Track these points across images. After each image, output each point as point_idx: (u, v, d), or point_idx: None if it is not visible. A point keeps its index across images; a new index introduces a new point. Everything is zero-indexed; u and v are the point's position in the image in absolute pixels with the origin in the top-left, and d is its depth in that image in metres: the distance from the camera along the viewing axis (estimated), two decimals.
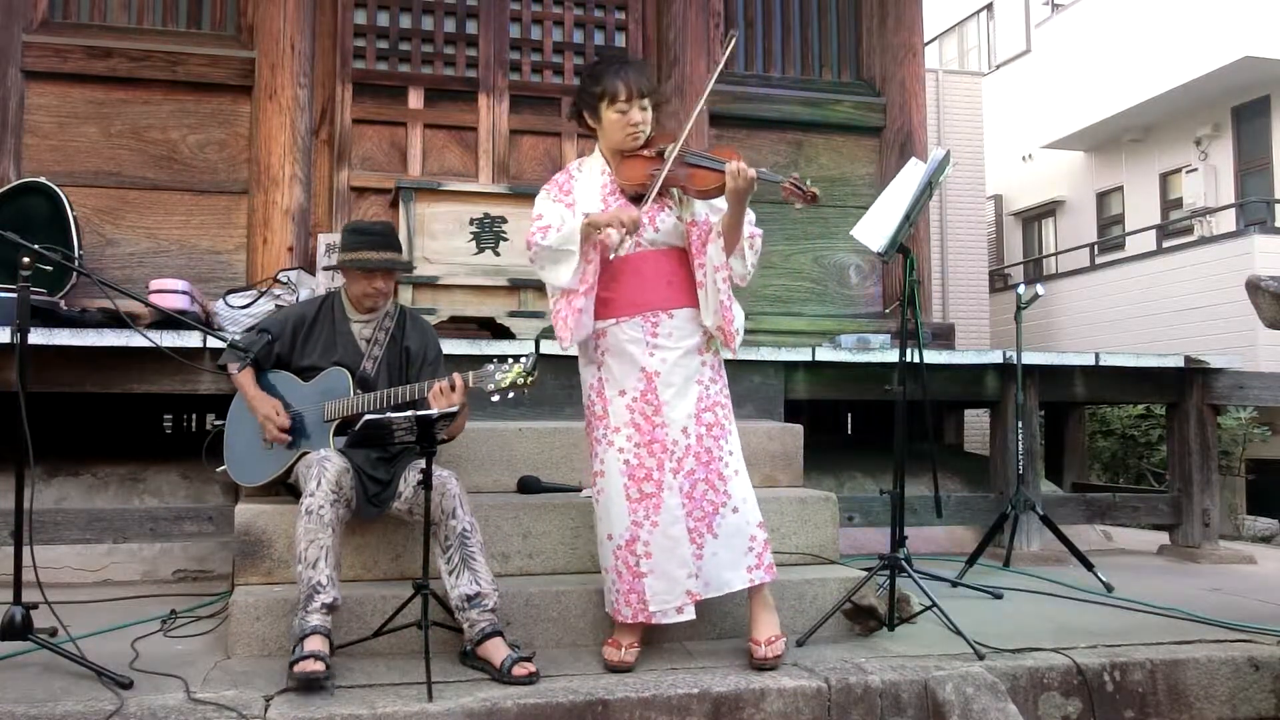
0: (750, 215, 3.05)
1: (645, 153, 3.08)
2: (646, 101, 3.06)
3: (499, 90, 5.61)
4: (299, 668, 2.71)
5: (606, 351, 3.07)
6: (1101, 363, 5.24)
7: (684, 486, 2.98)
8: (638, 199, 3.05)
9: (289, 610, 3.03)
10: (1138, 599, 4.05)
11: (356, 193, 5.39)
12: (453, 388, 3.08)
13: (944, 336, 6.16)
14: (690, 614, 3.01)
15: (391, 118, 5.48)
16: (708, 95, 3.25)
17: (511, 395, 3.06)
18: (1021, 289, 4.86)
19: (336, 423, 3.26)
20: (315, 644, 2.79)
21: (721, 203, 3.00)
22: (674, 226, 3.08)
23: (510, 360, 3.10)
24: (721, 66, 3.21)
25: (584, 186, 3.14)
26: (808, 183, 2.92)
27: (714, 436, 3.03)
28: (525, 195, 4.82)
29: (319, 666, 2.71)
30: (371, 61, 5.49)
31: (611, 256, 3.01)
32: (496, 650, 2.89)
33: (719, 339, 3.07)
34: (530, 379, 3.04)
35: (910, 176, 3.68)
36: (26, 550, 2.84)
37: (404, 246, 4.57)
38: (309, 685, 2.68)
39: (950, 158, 3.67)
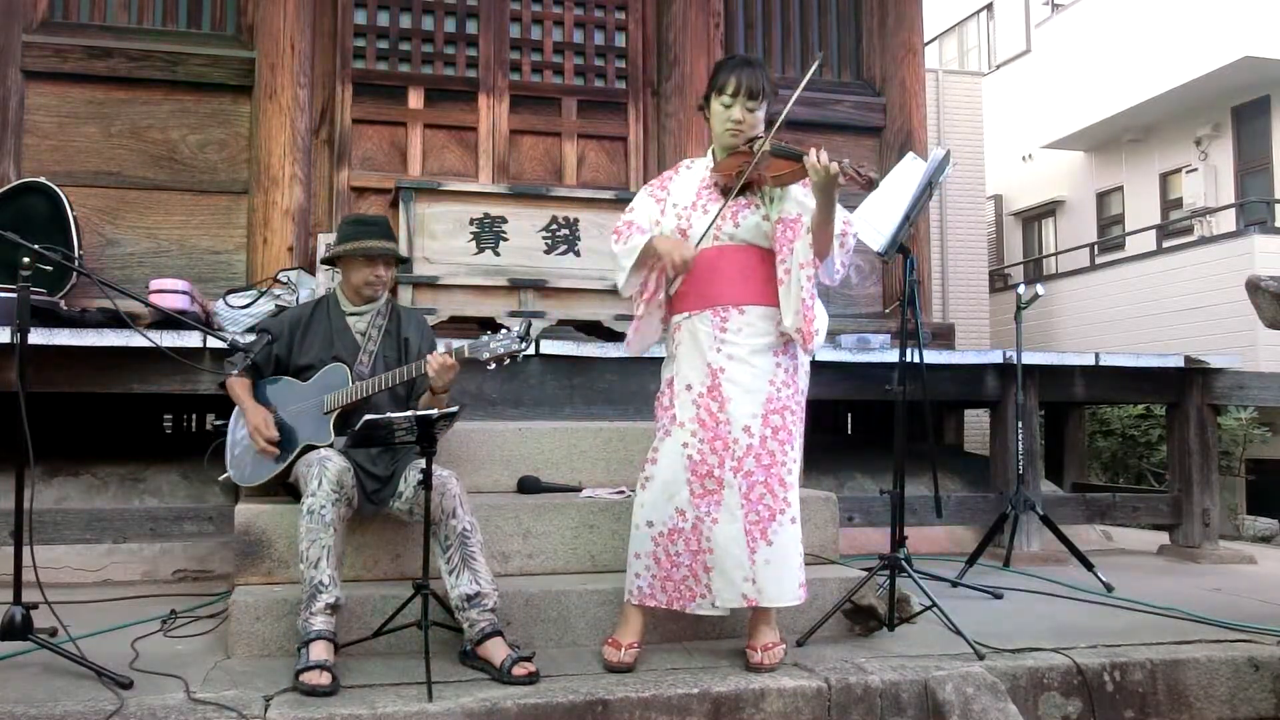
0: (844, 213, 3.02)
1: (743, 148, 3.09)
2: (755, 104, 3.05)
3: (499, 90, 5.61)
4: (304, 678, 2.71)
5: (680, 345, 3.08)
6: (1101, 363, 5.24)
7: (742, 486, 2.95)
8: (727, 192, 3.07)
9: (289, 610, 3.03)
10: (1138, 599, 4.05)
11: (356, 193, 5.39)
12: (449, 355, 3.13)
13: (944, 336, 6.16)
14: (725, 610, 3.02)
15: (391, 118, 5.48)
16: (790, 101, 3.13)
17: (508, 363, 3.11)
18: (1021, 289, 4.86)
19: (336, 414, 3.27)
20: (320, 651, 2.79)
21: (812, 200, 2.98)
22: (756, 225, 3.05)
23: (505, 329, 3.15)
24: (807, 78, 3.12)
25: (684, 181, 3.18)
26: (861, 167, 2.93)
27: (779, 440, 2.98)
28: (525, 195, 4.84)
29: (324, 680, 2.71)
30: (371, 61, 5.50)
31: (663, 292, 3.07)
32: (496, 650, 2.89)
33: (797, 339, 2.99)
34: (525, 344, 3.08)
35: (907, 171, 3.67)
36: (26, 550, 2.84)
37: (404, 246, 4.57)
38: (314, 695, 2.68)
39: (950, 157, 3.67)
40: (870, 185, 2.95)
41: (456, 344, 3.19)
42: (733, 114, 3.05)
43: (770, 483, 2.96)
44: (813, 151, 2.86)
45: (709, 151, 3.22)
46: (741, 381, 2.98)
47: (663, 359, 3.20)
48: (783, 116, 3.04)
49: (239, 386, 3.41)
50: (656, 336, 3.19)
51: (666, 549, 3.00)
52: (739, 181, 3.01)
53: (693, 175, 3.20)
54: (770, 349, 3.02)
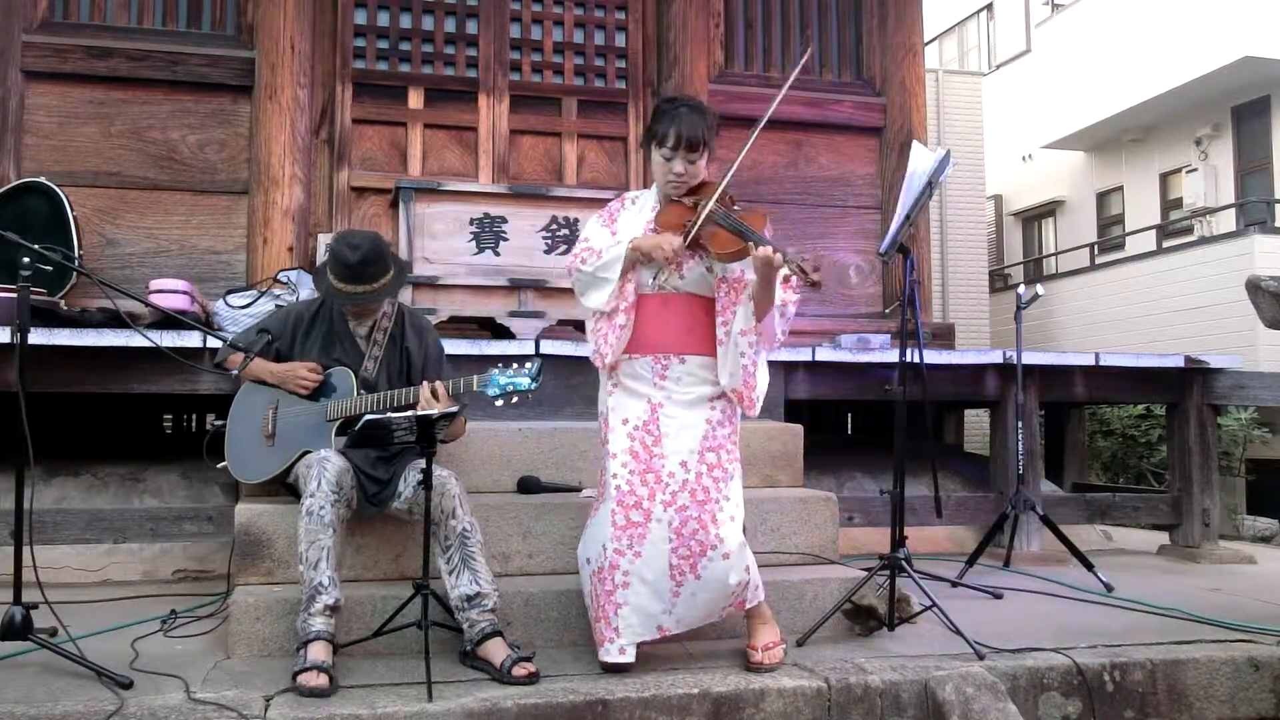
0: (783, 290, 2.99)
1: (686, 201, 3.05)
2: (696, 155, 3.00)
3: (499, 90, 5.61)
4: (302, 679, 2.72)
5: (618, 385, 3.06)
6: (1101, 363, 5.24)
7: (673, 521, 2.93)
8: None
9: (289, 610, 3.03)
10: (1138, 599, 4.06)
11: (356, 193, 5.39)
12: (435, 395, 3.11)
13: (944, 336, 6.16)
14: (631, 656, 2.92)
15: (391, 118, 5.48)
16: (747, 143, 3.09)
17: (515, 399, 3.07)
18: (1021, 289, 4.86)
19: (338, 422, 3.27)
20: (318, 652, 2.80)
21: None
22: (700, 276, 3.04)
23: (515, 364, 3.11)
24: (769, 112, 3.08)
25: (629, 219, 3.12)
26: (813, 271, 2.82)
27: (714, 477, 2.97)
28: (525, 195, 4.84)
29: (322, 680, 2.71)
30: (371, 61, 5.49)
31: (651, 284, 3.01)
32: (496, 650, 2.90)
33: (733, 399, 3.03)
34: (535, 384, 3.06)
35: (921, 161, 3.66)
36: (26, 550, 2.85)
37: (404, 247, 4.58)
38: (312, 697, 2.68)
39: (950, 157, 3.67)
40: (814, 287, 2.85)
41: (465, 378, 3.16)
42: (674, 168, 3.00)
43: (703, 519, 2.92)
44: (761, 248, 2.82)
45: (654, 187, 3.17)
46: (679, 417, 2.99)
47: None
48: (726, 179, 3.02)
49: (260, 362, 3.38)
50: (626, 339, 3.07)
51: (598, 586, 2.98)
52: (684, 242, 2.95)
53: (639, 214, 3.14)
54: (708, 395, 3.02)
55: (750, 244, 2.87)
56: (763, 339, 3.00)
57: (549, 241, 4.77)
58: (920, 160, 3.68)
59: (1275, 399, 5.44)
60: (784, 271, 2.91)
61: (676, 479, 2.95)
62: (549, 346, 4.44)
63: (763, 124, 3.06)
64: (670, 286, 3.03)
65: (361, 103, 5.43)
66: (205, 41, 5.30)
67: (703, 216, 2.94)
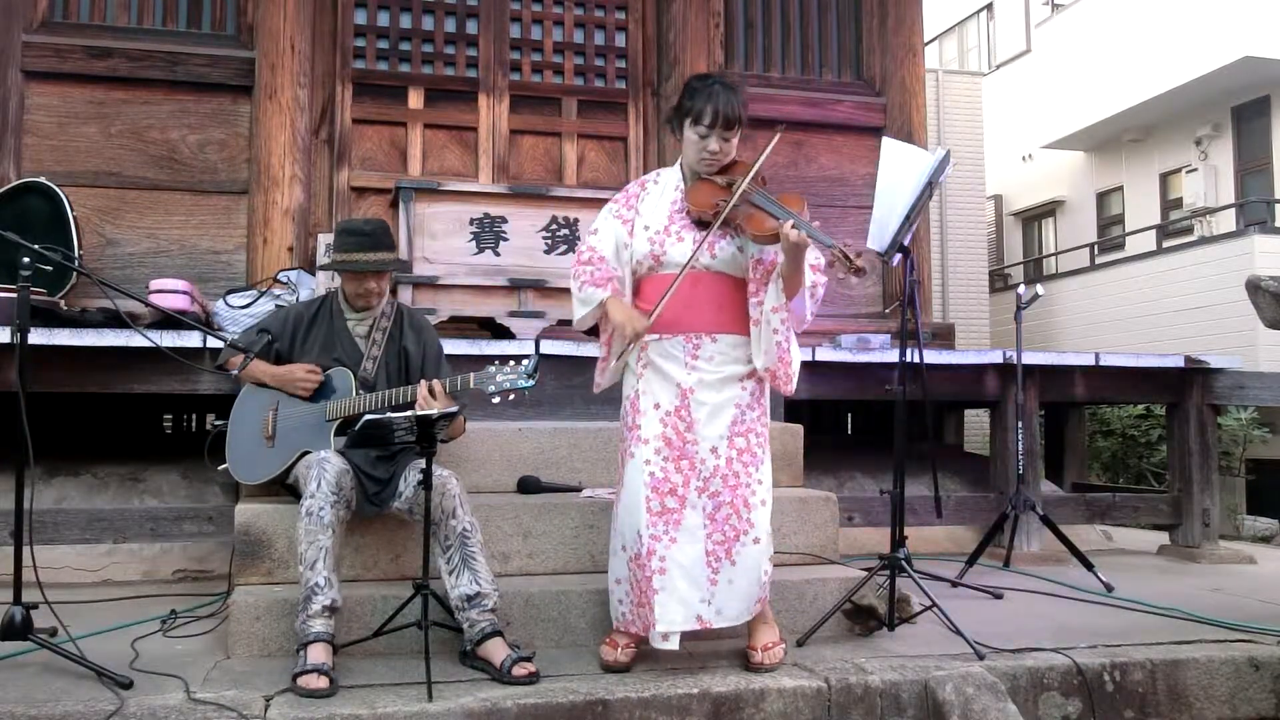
0: (814, 259, 2.97)
1: (718, 179, 3.02)
2: (731, 133, 2.98)
3: (499, 90, 5.61)
4: (301, 681, 2.71)
5: (648, 365, 3.03)
6: (1101, 363, 5.24)
7: (707, 507, 2.94)
8: (701, 223, 3.01)
9: (289, 610, 3.03)
10: (1138, 599, 4.06)
11: (356, 193, 5.39)
12: (432, 394, 3.12)
13: (944, 336, 6.16)
14: (675, 643, 2.90)
15: (391, 118, 5.48)
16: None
17: (513, 396, 3.08)
18: (1021, 289, 4.86)
19: (338, 422, 3.27)
20: (318, 654, 2.80)
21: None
22: (733, 256, 3.02)
23: (512, 362, 3.11)
24: (769, 149, 3.03)
25: (654, 201, 3.11)
26: (856, 256, 2.83)
27: (744, 462, 2.97)
28: (525, 195, 4.84)
29: (322, 683, 2.71)
30: (371, 61, 5.49)
31: (614, 361, 3.07)
32: (496, 650, 2.90)
33: (767, 379, 3.02)
34: (532, 381, 3.06)
35: (893, 159, 3.66)
36: (26, 550, 2.84)
37: (404, 246, 4.57)
38: (312, 698, 2.68)
39: (950, 157, 3.67)
40: (859, 273, 2.87)
41: (462, 375, 3.17)
42: (709, 145, 2.99)
43: (736, 504, 2.94)
44: (786, 222, 2.82)
45: (678, 166, 3.15)
46: (710, 402, 2.98)
47: None
48: (757, 165, 2.99)
49: (260, 364, 3.40)
50: (620, 373, 3.13)
51: (637, 573, 2.95)
52: (717, 221, 2.95)
53: (662, 195, 3.12)
54: (739, 375, 3.02)
55: (779, 225, 2.84)
56: (791, 318, 2.99)
57: (549, 241, 4.77)
58: (893, 156, 3.67)
59: (1275, 399, 5.45)
60: (819, 257, 2.92)
61: (709, 465, 2.95)
62: (549, 346, 4.44)
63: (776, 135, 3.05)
64: (702, 266, 3.00)
65: (361, 103, 5.44)
66: (205, 41, 5.30)
67: (738, 195, 2.93)
